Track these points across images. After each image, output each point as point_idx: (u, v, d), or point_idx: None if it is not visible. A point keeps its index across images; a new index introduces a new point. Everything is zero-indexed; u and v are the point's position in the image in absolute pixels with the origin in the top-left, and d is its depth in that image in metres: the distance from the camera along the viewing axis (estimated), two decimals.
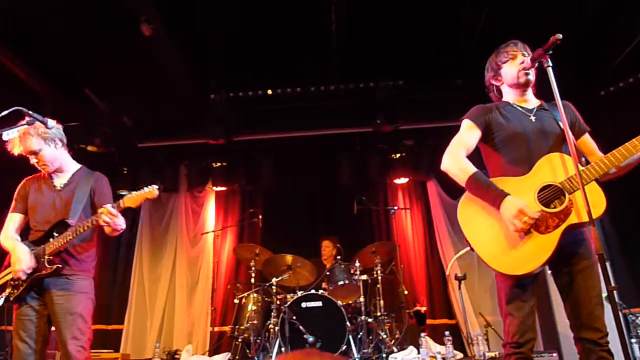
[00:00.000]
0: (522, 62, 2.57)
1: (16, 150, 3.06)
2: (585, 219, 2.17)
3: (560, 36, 2.23)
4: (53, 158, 3.13)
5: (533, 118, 2.56)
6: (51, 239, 2.97)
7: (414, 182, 7.50)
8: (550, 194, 2.32)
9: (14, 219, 3.18)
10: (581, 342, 2.30)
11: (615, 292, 2.00)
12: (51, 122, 2.79)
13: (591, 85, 5.90)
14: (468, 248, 2.47)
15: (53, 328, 2.95)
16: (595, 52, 5.52)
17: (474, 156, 2.62)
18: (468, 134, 2.64)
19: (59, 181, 3.20)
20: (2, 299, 2.98)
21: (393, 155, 7.15)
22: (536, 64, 2.49)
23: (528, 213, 2.24)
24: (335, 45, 5.40)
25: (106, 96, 6.16)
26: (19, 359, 2.84)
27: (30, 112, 2.60)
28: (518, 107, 2.63)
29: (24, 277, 2.91)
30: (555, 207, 2.30)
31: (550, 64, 2.32)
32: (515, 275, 2.30)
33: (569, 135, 2.26)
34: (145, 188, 2.92)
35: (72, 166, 3.28)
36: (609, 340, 2.26)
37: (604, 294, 2.27)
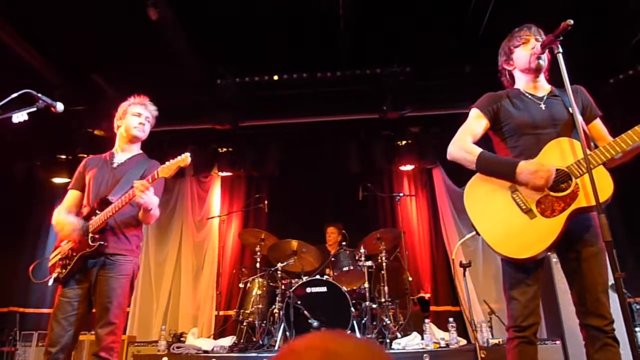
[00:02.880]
0: (534, 47, 2.55)
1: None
2: (592, 203, 2.17)
3: (572, 22, 2.20)
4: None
5: (543, 106, 2.55)
6: (94, 217, 2.98)
7: (420, 169, 7.49)
8: (557, 178, 2.31)
9: (70, 196, 3.24)
10: (586, 328, 2.31)
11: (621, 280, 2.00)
12: (60, 106, 2.80)
13: (601, 73, 5.85)
14: (474, 232, 2.49)
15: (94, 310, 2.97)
16: (606, 39, 5.46)
17: (484, 145, 2.61)
18: (475, 123, 2.65)
19: (118, 160, 3.25)
20: (52, 279, 3.01)
21: (399, 142, 7.13)
22: (547, 50, 2.47)
23: (545, 167, 2.27)
24: (342, 31, 5.36)
25: (113, 81, 6.15)
26: (51, 339, 2.84)
27: (40, 95, 2.62)
28: (528, 95, 2.61)
29: (76, 239, 2.93)
30: (561, 191, 2.30)
31: (560, 50, 2.31)
32: (520, 258, 2.31)
33: (578, 118, 2.24)
34: (177, 157, 2.90)
35: (135, 149, 3.34)
36: (615, 327, 2.26)
37: (610, 282, 2.29)
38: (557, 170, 2.31)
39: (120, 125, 3.32)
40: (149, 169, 3.19)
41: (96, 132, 6.27)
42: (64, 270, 2.96)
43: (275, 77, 6.25)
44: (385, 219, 7.35)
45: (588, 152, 2.24)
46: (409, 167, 7.31)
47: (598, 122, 2.58)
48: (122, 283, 2.95)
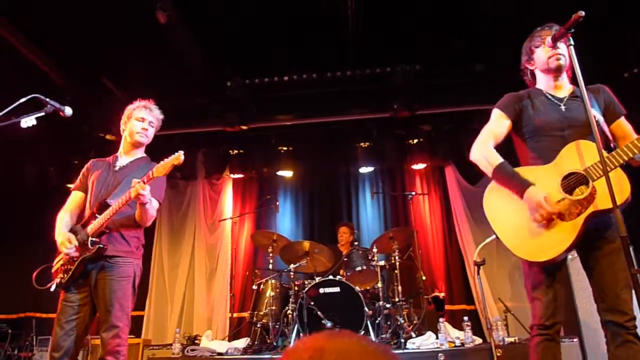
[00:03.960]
0: (553, 46, 2.52)
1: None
2: (609, 206, 2.14)
3: (583, 13, 2.16)
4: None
5: (563, 107, 2.55)
6: (94, 221, 2.99)
7: (432, 168, 7.44)
8: (574, 181, 2.32)
9: (73, 197, 3.26)
10: (607, 325, 2.30)
11: (639, 275, 1.96)
12: (68, 110, 2.81)
13: (614, 67, 5.76)
14: (493, 236, 2.53)
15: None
16: (619, 33, 5.37)
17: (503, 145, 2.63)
18: (497, 124, 2.67)
19: (120, 163, 3.26)
20: (54, 284, 3.02)
21: (410, 141, 7.08)
22: (558, 44, 2.44)
23: (546, 207, 2.28)
24: (352, 30, 5.34)
25: (123, 84, 6.18)
26: (54, 343, 2.86)
27: (48, 100, 2.63)
28: (549, 96, 2.60)
29: (73, 254, 2.93)
30: (579, 195, 2.29)
31: (572, 42, 2.27)
32: (539, 261, 2.34)
33: (592, 119, 2.19)
34: (171, 156, 2.90)
35: (138, 153, 3.34)
36: (637, 325, 2.24)
37: None
38: (574, 173, 2.32)
39: (125, 129, 3.32)
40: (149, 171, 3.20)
41: (107, 136, 6.30)
42: (65, 275, 2.97)
43: (285, 78, 6.25)
44: (397, 218, 7.31)
45: (605, 154, 2.21)
46: (421, 166, 7.26)
47: (622, 121, 2.56)
48: (122, 285, 2.95)
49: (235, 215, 7.34)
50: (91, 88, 6.11)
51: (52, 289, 3.03)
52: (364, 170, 7.25)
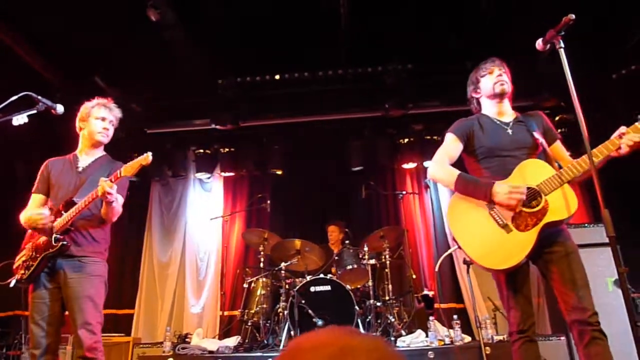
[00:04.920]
0: (499, 75, 2.83)
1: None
2: (560, 217, 2.45)
3: (573, 16, 2.22)
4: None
5: (510, 131, 2.79)
6: (59, 218, 2.99)
7: (423, 167, 7.46)
8: (528, 196, 2.50)
9: (35, 200, 3.22)
10: (572, 325, 2.43)
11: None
12: (60, 108, 2.81)
13: (603, 69, 5.81)
14: (456, 247, 2.75)
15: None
16: (607, 35, 5.43)
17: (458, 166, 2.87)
18: (451, 146, 2.89)
19: (82, 163, 3.25)
20: (14, 281, 3.03)
21: (402, 140, 7.11)
22: (548, 46, 2.49)
23: (517, 189, 2.48)
24: (344, 29, 5.35)
25: (115, 82, 6.15)
26: (34, 342, 2.89)
27: (40, 98, 2.62)
28: (496, 121, 2.85)
29: (49, 224, 2.93)
30: (533, 207, 2.48)
31: (562, 45, 2.31)
32: (500, 269, 2.53)
33: (584, 128, 2.32)
34: (139, 156, 2.91)
35: (98, 152, 3.32)
36: (600, 321, 2.37)
37: (613, 278, 2.36)
38: (529, 188, 2.52)
39: (83, 128, 3.27)
40: (114, 170, 3.17)
41: None
42: (26, 272, 2.98)
43: (277, 76, 6.25)
44: (388, 217, 7.34)
45: (554, 172, 2.54)
46: (411, 165, 7.28)
47: (558, 144, 2.84)
48: (94, 283, 2.98)
49: (226, 214, 7.33)
50: (83, 86, 6.06)
51: (12, 284, 3.03)
52: (355, 169, 7.26)
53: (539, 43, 2.53)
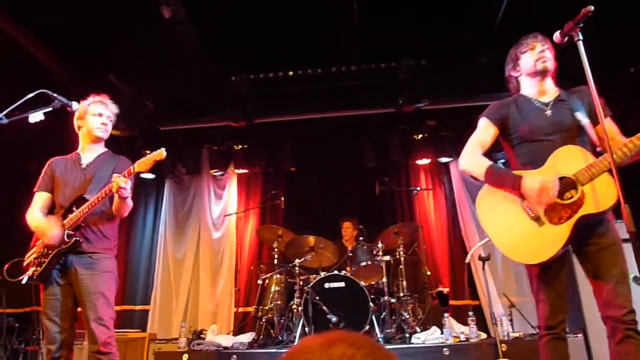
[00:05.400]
0: (542, 51, 2.63)
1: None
2: (597, 210, 2.26)
3: (592, 8, 2.17)
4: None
5: (549, 112, 2.60)
6: (70, 215, 3.02)
7: (437, 163, 7.41)
8: (563, 186, 2.36)
9: (40, 198, 3.24)
10: (606, 320, 2.33)
11: None
12: (76, 105, 2.83)
13: (621, 62, 5.71)
14: (487, 239, 2.64)
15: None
16: (626, 27, 5.33)
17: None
18: (484, 132, 2.76)
19: (85, 160, 3.27)
20: (26, 278, 3.05)
21: (415, 136, 7.07)
22: (566, 38, 2.43)
23: (548, 186, 2.33)
24: (357, 25, 5.32)
25: (128, 80, 6.18)
26: (48, 337, 2.93)
27: (55, 95, 2.64)
28: (535, 102, 2.67)
29: (57, 243, 2.95)
30: (568, 198, 2.34)
31: (580, 37, 2.26)
32: (532, 264, 2.43)
33: (601, 114, 2.20)
34: (153, 152, 2.94)
35: (100, 148, 3.35)
36: (637, 320, 2.26)
37: (632, 275, 2.30)
38: (563, 178, 2.37)
39: (82, 126, 3.29)
40: (119, 164, 3.23)
41: (113, 132, 6.28)
42: (38, 268, 3.00)
43: (290, 73, 6.24)
44: (402, 213, 7.30)
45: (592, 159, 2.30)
46: (425, 161, 7.24)
47: (608, 123, 2.54)
48: (105, 279, 3.01)
49: (240, 210, 7.35)
50: (96, 84, 6.10)
51: (24, 281, 3.05)
52: (368, 165, 7.23)
53: (556, 36, 2.46)
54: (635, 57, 5.70)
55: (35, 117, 2.65)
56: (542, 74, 2.66)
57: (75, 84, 5.82)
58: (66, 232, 2.96)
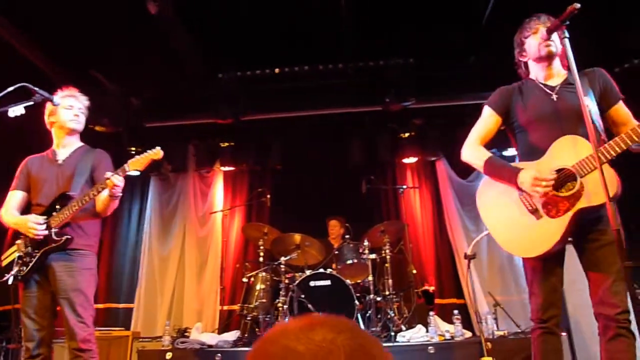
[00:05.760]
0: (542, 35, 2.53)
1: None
2: (595, 203, 2.20)
3: (578, 6, 2.16)
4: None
5: (555, 97, 2.52)
6: (54, 213, 2.96)
7: (423, 162, 7.43)
8: (563, 177, 2.32)
9: (14, 196, 3.18)
10: (599, 317, 2.31)
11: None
12: (57, 99, 2.78)
13: (606, 61, 5.74)
14: (487, 232, 2.62)
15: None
16: (612, 27, 5.38)
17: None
18: (486, 122, 2.71)
19: (61, 156, 3.21)
20: (12, 277, 2.97)
21: (402, 134, 7.07)
22: (558, 36, 2.42)
23: (542, 177, 2.30)
24: (345, 23, 5.31)
25: (114, 76, 6.11)
26: (27, 335, 2.90)
27: (37, 89, 2.60)
28: (541, 86, 2.59)
29: (41, 234, 2.90)
30: (567, 191, 2.30)
31: (567, 35, 2.26)
32: (527, 258, 2.41)
33: (585, 109, 2.18)
34: (149, 150, 2.90)
35: (75, 143, 3.30)
36: (631, 319, 2.22)
37: None
38: (563, 169, 2.33)
39: (54, 121, 3.24)
40: (98, 158, 3.20)
41: (97, 128, 6.23)
42: (24, 268, 2.94)
43: (277, 70, 6.21)
44: (388, 211, 7.31)
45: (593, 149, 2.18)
46: (412, 160, 7.24)
47: (620, 107, 2.52)
48: (86, 277, 2.98)
49: (225, 208, 7.31)
50: (80, 79, 6.02)
51: (10, 282, 2.97)
52: (355, 163, 7.22)
53: (543, 32, 2.49)
54: (621, 57, 5.76)
55: (16, 111, 2.60)
56: (547, 58, 2.58)
57: (59, 80, 5.73)
58: (54, 230, 2.91)
